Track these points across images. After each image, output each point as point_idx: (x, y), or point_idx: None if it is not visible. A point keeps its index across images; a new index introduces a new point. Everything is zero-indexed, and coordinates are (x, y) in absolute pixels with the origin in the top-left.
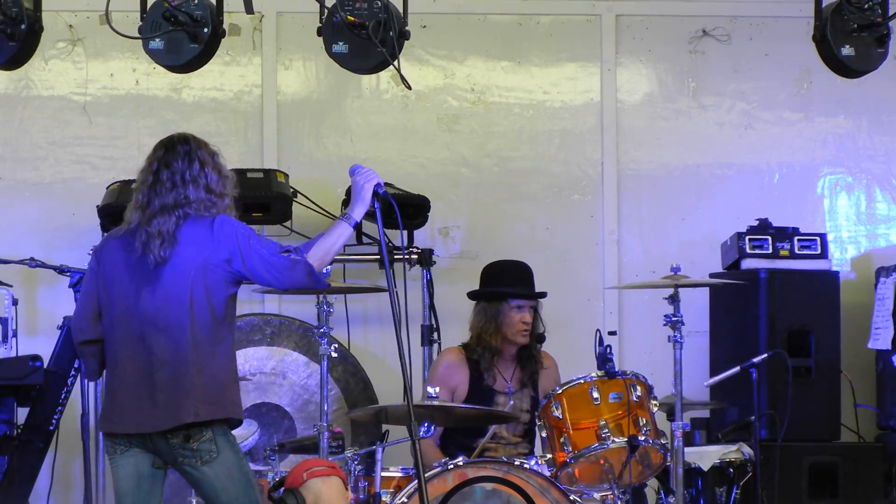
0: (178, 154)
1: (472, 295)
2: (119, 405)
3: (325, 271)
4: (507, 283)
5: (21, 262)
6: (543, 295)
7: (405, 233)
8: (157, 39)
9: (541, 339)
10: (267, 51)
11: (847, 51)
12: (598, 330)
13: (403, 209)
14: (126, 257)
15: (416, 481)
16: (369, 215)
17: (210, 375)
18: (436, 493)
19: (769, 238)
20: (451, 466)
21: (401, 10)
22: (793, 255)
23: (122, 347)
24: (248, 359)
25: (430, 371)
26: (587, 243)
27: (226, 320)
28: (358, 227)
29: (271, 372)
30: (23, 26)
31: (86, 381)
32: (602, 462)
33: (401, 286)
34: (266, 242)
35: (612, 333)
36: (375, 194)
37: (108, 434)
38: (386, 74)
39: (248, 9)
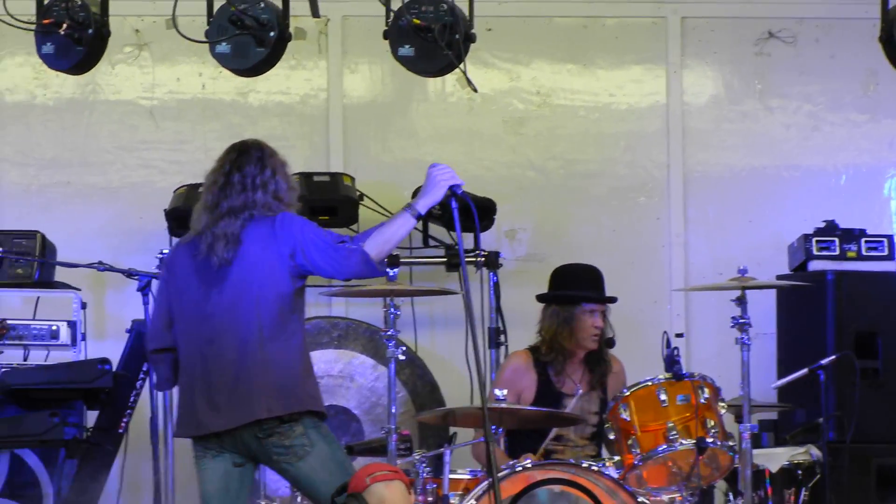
0: (251, 158)
1: (542, 298)
2: (193, 408)
3: (386, 265)
4: (579, 286)
5: (89, 265)
6: (615, 300)
7: (471, 235)
8: (224, 43)
9: (610, 343)
10: (333, 54)
11: None
12: (665, 332)
13: (469, 212)
14: (194, 262)
15: (483, 483)
16: (436, 217)
17: (282, 371)
18: (504, 496)
19: (836, 240)
20: (519, 469)
21: (466, 13)
22: (860, 257)
23: (193, 350)
24: (316, 361)
25: (497, 375)
26: (654, 246)
27: (294, 315)
28: (425, 230)
29: (339, 375)
30: (90, 31)
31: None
32: (670, 464)
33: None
34: (325, 234)
35: (679, 336)
36: (454, 195)
37: (196, 438)
38: (451, 77)
39: (315, 12)
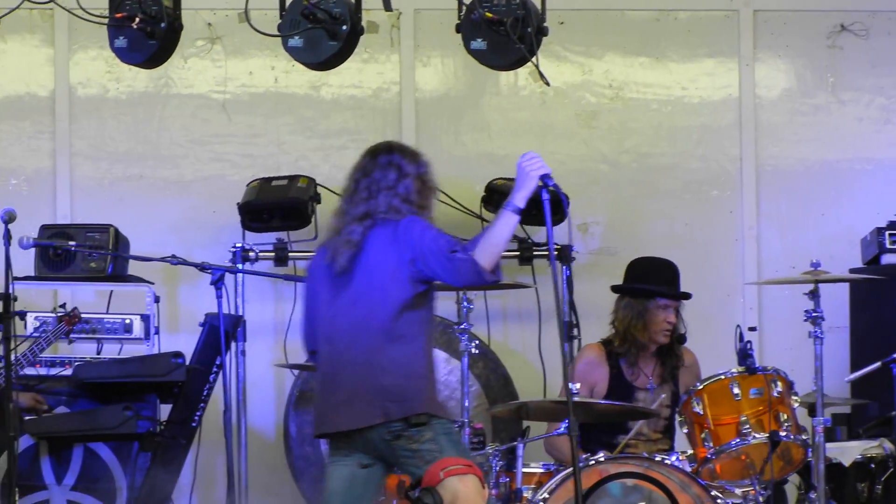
0: (378, 163)
1: (617, 289)
2: (324, 407)
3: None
4: (655, 280)
5: (162, 259)
6: (689, 296)
7: (542, 229)
8: (296, 37)
9: (682, 339)
10: (405, 48)
11: None
12: (738, 326)
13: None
14: (324, 266)
15: (556, 477)
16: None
17: (401, 374)
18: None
19: None
20: (592, 462)
21: (539, 7)
22: None
23: (325, 352)
24: None
25: (570, 368)
26: (726, 239)
27: (416, 318)
28: None
29: None
30: (162, 25)
31: (227, 378)
32: (743, 458)
33: (542, 282)
34: (443, 242)
35: (752, 329)
36: (545, 186)
37: (325, 436)
38: (524, 71)
39: (387, 6)
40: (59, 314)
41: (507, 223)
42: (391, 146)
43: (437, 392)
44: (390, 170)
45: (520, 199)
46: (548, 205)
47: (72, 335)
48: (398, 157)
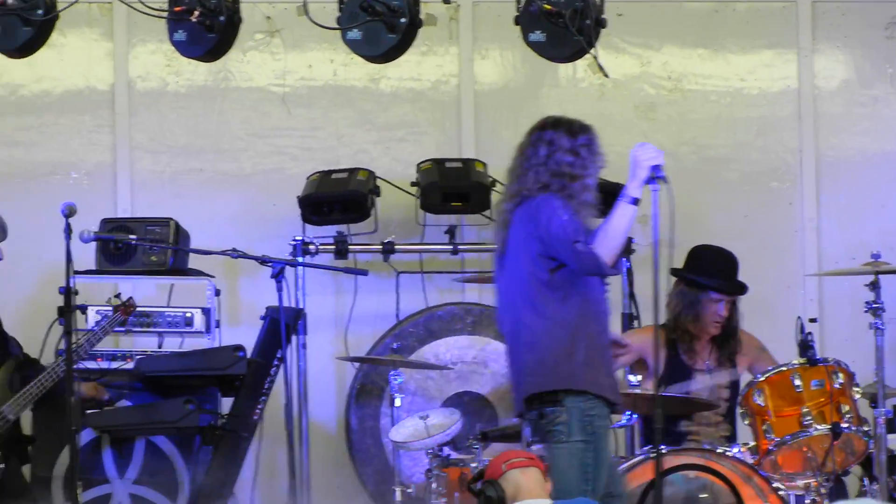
0: (529, 141)
1: (674, 272)
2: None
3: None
4: (711, 272)
5: (223, 253)
6: (744, 291)
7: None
8: (355, 30)
9: (733, 333)
10: (464, 40)
11: None
12: (798, 317)
13: (602, 197)
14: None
15: (622, 466)
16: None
17: (540, 350)
18: (638, 482)
19: None
20: (654, 454)
21: None
22: None
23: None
24: (450, 348)
25: (629, 336)
26: (786, 231)
27: (555, 297)
28: None
29: (473, 361)
30: (221, 18)
31: (289, 371)
32: (805, 449)
33: None
34: (566, 230)
35: (812, 321)
36: (654, 177)
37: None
38: (582, 63)
39: None
40: (115, 304)
41: (623, 214)
42: (545, 122)
43: (585, 369)
44: (541, 145)
45: (634, 188)
46: (656, 195)
47: (131, 327)
48: (550, 132)
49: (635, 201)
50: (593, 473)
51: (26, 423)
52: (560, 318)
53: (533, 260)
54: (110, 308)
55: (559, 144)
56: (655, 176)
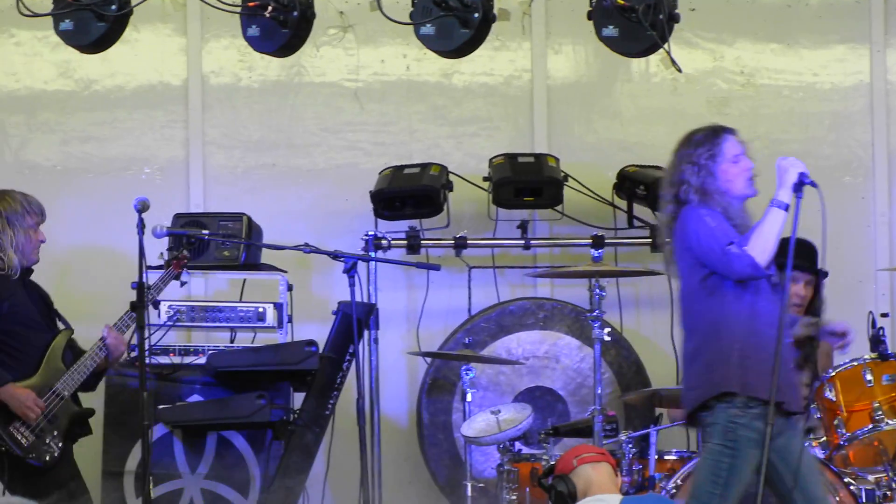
0: (678, 148)
1: None
2: None
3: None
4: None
5: (295, 248)
6: (824, 273)
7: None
8: (428, 25)
9: (816, 313)
10: (536, 35)
11: None
12: (870, 312)
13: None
14: None
15: (689, 464)
16: (640, 198)
17: (698, 361)
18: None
19: None
20: None
21: None
22: None
23: None
24: (521, 343)
25: None
26: (858, 225)
27: (708, 303)
28: (629, 211)
29: (544, 356)
30: (294, 13)
31: (361, 366)
32: (876, 444)
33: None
34: (715, 238)
35: (884, 315)
36: (801, 182)
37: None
38: (655, 58)
39: None
40: (166, 259)
41: (774, 219)
42: (699, 129)
43: (733, 372)
44: (682, 158)
45: (783, 194)
46: (798, 202)
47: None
48: (696, 144)
49: (785, 206)
50: (725, 480)
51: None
52: (715, 324)
53: (690, 268)
54: (182, 303)
55: (691, 159)
56: (804, 182)
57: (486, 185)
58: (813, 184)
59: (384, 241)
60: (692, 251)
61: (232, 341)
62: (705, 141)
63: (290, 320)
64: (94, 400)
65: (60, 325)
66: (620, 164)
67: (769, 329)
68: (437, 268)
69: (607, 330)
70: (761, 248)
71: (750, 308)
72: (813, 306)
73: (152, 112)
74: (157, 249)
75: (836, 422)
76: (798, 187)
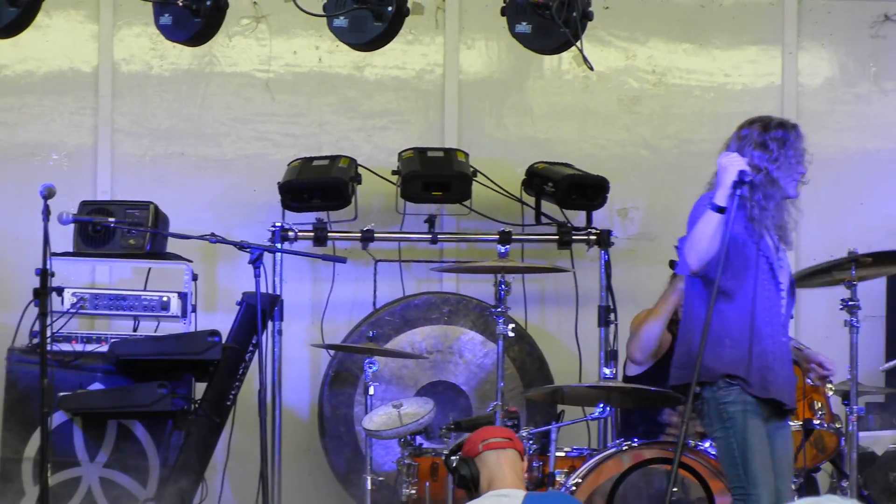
0: (752, 128)
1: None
2: None
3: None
4: None
5: (201, 237)
6: None
7: (584, 213)
8: (342, 17)
9: None
10: (450, 30)
11: None
12: None
13: (582, 190)
14: None
15: (589, 462)
16: (549, 195)
17: (685, 340)
18: (610, 475)
19: None
20: (626, 447)
21: None
22: None
23: None
24: (425, 337)
25: (633, 339)
26: None
27: (697, 291)
28: (537, 208)
29: (448, 350)
30: (207, 3)
31: (263, 357)
32: None
33: (579, 266)
34: (689, 227)
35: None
36: (741, 182)
37: None
38: (568, 55)
39: None
40: None
41: (707, 220)
42: (746, 120)
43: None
44: (733, 141)
45: (719, 196)
46: (736, 200)
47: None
48: (746, 129)
49: (719, 209)
50: (742, 457)
51: None
52: (694, 312)
53: None
54: (86, 290)
55: (751, 139)
56: (744, 180)
57: (394, 178)
58: (753, 181)
59: (291, 233)
60: None
61: (135, 330)
62: (779, 127)
63: (194, 310)
64: None
65: None
66: (530, 160)
67: (759, 322)
68: (343, 260)
69: (511, 326)
70: (692, 248)
71: (748, 303)
72: None
73: (62, 98)
74: (63, 236)
75: None
76: (738, 185)
